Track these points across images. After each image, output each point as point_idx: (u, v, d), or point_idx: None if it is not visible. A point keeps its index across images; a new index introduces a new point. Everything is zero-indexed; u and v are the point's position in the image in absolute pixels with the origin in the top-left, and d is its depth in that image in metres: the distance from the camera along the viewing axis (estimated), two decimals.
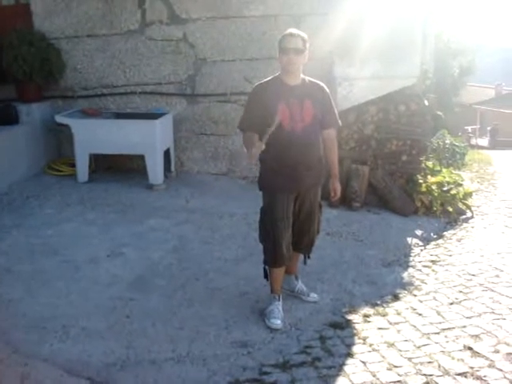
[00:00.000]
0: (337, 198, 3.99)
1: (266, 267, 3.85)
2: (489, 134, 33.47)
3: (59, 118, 6.55)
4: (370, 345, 3.53)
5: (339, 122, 3.89)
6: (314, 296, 4.12)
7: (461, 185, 6.90)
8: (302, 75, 3.69)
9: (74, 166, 6.69)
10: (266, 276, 3.89)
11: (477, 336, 3.61)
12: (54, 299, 3.96)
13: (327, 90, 3.79)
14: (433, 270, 4.83)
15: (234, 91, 6.84)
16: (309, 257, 4.12)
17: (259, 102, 3.59)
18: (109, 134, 6.41)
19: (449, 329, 3.72)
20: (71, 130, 6.44)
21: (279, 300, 3.85)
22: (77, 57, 7.19)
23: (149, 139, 6.36)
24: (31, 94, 7.04)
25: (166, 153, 6.76)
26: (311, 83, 3.73)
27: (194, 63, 6.97)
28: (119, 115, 6.91)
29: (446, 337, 3.61)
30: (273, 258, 3.74)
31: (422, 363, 3.30)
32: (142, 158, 6.46)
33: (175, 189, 6.58)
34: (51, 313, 3.77)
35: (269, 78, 3.71)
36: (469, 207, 6.64)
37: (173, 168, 7.06)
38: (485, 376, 3.16)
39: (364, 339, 3.60)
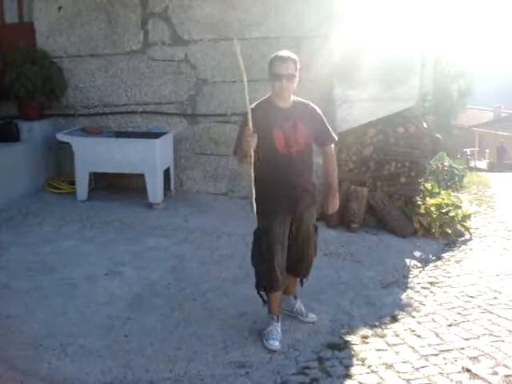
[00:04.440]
0: (332, 212, 3.96)
1: (262, 292, 3.83)
2: (496, 152, 32.67)
3: (60, 136, 6.59)
4: (369, 366, 3.52)
5: (335, 136, 3.86)
6: (312, 316, 4.11)
7: (459, 207, 6.91)
8: (292, 96, 3.66)
9: (73, 183, 6.72)
10: (264, 300, 3.87)
11: (475, 358, 3.61)
12: (52, 317, 3.96)
13: (317, 109, 3.77)
14: (431, 292, 4.83)
15: (235, 112, 6.88)
16: (306, 278, 4.11)
17: (254, 123, 3.44)
18: (109, 152, 6.44)
19: (447, 350, 3.71)
20: (72, 147, 6.48)
21: (278, 321, 3.83)
22: (79, 76, 7.26)
23: (149, 158, 6.39)
24: (33, 112, 7.09)
25: (166, 172, 6.79)
26: (301, 104, 3.71)
27: (195, 84, 7.04)
28: (120, 134, 6.95)
29: (444, 358, 3.60)
30: (268, 283, 3.71)
31: None
32: (141, 176, 6.48)
33: (174, 208, 6.59)
34: (48, 330, 3.76)
35: (260, 101, 3.66)
36: (467, 229, 6.65)
37: (172, 187, 7.08)
38: None
39: (362, 360, 3.59)
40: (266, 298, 3.86)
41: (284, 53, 3.55)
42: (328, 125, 3.83)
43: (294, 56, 3.55)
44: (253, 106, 3.60)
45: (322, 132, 3.77)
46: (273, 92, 3.61)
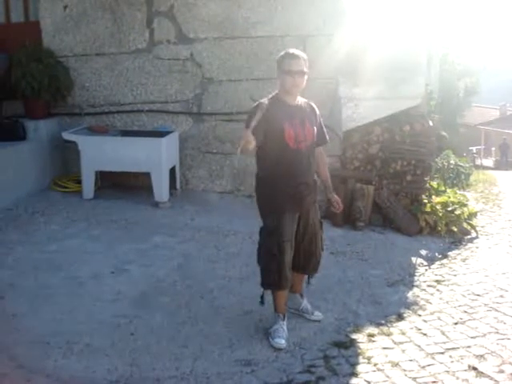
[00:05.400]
0: (341, 209, 3.97)
1: (264, 292, 3.82)
2: (499, 149, 32.23)
3: (66, 135, 6.60)
4: (375, 364, 3.52)
5: (327, 138, 3.94)
6: (318, 314, 4.11)
7: (465, 205, 6.89)
8: None
9: (79, 182, 6.73)
10: (262, 302, 3.86)
11: (481, 356, 3.60)
12: (58, 315, 3.96)
13: (317, 109, 3.84)
14: (437, 290, 4.82)
15: (240, 110, 6.87)
16: (312, 277, 4.11)
17: (263, 118, 3.42)
18: (115, 151, 6.45)
19: (453, 349, 3.70)
20: (78, 146, 6.48)
21: (284, 319, 3.83)
22: (85, 75, 7.27)
23: (155, 157, 6.40)
24: (39, 111, 7.09)
25: (172, 170, 6.80)
26: (305, 103, 3.77)
27: (201, 82, 7.04)
28: (126, 133, 6.95)
29: (450, 357, 3.59)
30: (277, 281, 3.69)
31: (426, 383, 3.29)
32: (147, 175, 6.49)
33: (180, 206, 6.60)
34: (55, 328, 3.77)
35: (268, 97, 3.68)
36: (473, 227, 6.63)
37: (178, 186, 7.09)
38: None
39: (368, 359, 3.59)
40: (265, 298, 3.85)
41: (294, 50, 3.62)
42: (324, 126, 3.91)
43: (303, 54, 3.62)
44: (261, 101, 3.61)
45: (321, 132, 3.84)
46: (281, 88, 3.64)
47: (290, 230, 3.67)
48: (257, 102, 3.64)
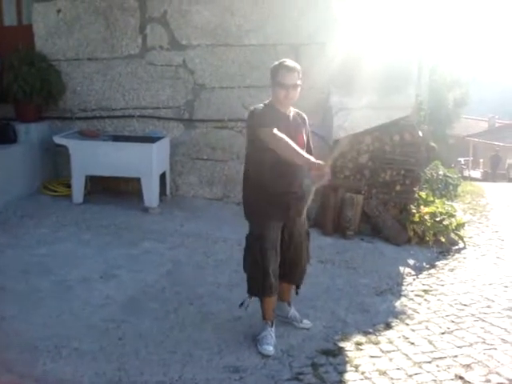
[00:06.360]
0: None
1: (248, 299, 3.83)
2: (490, 161, 31.96)
3: (57, 139, 6.59)
4: (362, 373, 3.53)
5: (312, 148, 3.91)
6: (306, 322, 4.12)
7: (453, 215, 6.95)
8: None
9: (69, 186, 6.71)
10: (242, 304, 3.87)
11: (468, 365, 3.63)
12: (47, 319, 3.95)
13: (307, 120, 3.86)
14: (425, 300, 4.85)
15: (232, 117, 6.92)
16: (299, 287, 4.10)
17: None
18: (106, 156, 6.44)
19: (440, 358, 3.73)
20: (69, 150, 6.47)
21: (272, 326, 3.84)
22: (77, 79, 7.28)
23: (145, 162, 6.40)
24: (30, 114, 7.09)
25: (162, 176, 6.80)
26: (296, 113, 3.79)
27: (193, 89, 7.06)
28: (117, 138, 6.95)
29: (437, 366, 3.62)
30: (261, 288, 3.71)
31: None
32: (137, 180, 6.49)
33: (170, 212, 6.60)
34: (44, 332, 3.76)
35: (263, 105, 3.69)
36: (461, 238, 6.68)
37: (168, 191, 7.09)
38: None
39: (356, 367, 3.61)
40: (248, 303, 3.86)
41: (289, 62, 3.63)
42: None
43: (297, 65, 3.63)
44: (257, 108, 3.65)
45: (308, 142, 3.85)
46: (275, 99, 3.66)
47: (274, 238, 3.68)
48: (252, 108, 3.68)
